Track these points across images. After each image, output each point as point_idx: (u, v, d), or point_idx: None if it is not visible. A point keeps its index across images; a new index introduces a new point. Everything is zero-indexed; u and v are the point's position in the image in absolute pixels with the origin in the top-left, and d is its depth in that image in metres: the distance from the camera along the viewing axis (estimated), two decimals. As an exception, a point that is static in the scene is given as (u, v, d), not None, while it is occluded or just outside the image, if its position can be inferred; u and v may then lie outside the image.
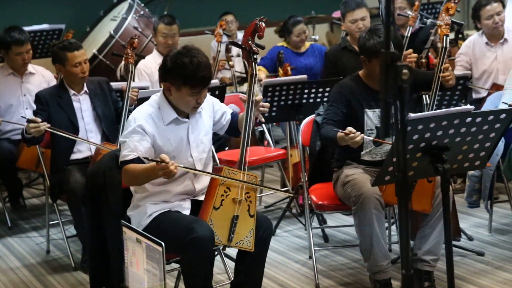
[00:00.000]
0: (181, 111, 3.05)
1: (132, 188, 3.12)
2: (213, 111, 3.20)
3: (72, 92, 4.05)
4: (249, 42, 3.16)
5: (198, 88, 2.95)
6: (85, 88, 4.07)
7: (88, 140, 3.99)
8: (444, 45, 3.52)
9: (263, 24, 3.16)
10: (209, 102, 3.19)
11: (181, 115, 3.06)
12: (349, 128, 3.24)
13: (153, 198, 3.06)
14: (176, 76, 2.95)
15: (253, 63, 3.15)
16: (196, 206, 3.08)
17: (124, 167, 2.92)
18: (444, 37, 3.53)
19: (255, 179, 3.06)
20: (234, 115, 3.26)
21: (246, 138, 3.06)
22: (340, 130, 3.28)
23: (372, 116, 3.52)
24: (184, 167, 2.92)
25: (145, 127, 2.97)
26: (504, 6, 4.92)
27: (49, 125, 3.80)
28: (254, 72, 3.14)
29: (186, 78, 2.93)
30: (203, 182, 3.14)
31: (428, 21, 4.89)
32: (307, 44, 5.64)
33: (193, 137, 3.08)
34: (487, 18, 4.87)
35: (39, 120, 3.78)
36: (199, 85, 2.95)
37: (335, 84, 3.67)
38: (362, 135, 3.24)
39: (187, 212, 3.07)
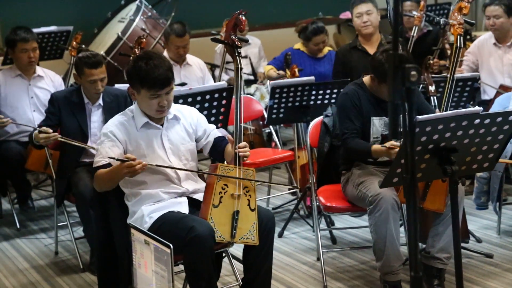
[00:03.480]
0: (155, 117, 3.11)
1: (125, 198, 3.16)
2: (195, 125, 3.24)
3: (86, 100, 4.06)
4: (232, 37, 3.19)
5: (153, 90, 3.00)
6: (100, 101, 4.07)
7: (93, 147, 3.96)
8: (458, 45, 3.50)
9: (244, 18, 3.20)
10: (195, 115, 3.26)
11: (154, 121, 3.13)
12: (391, 142, 3.25)
13: (145, 201, 3.10)
14: (134, 79, 3.05)
15: (237, 57, 3.19)
16: (196, 202, 3.12)
17: (96, 172, 3.00)
18: (458, 36, 3.52)
19: (252, 172, 3.07)
20: (221, 140, 3.25)
21: (238, 134, 3.08)
22: (381, 145, 3.32)
23: (378, 124, 3.52)
24: (156, 165, 3.00)
25: (116, 133, 3.06)
26: (509, 11, 4.89)
27: (60, 135, 3.81)
28: (239, 66, 3.19)
29: (141, 80, 3.01)
30: (192, 181, 3.19)
31: (442, 20, 4.88)
32: (325, 50, 5.60)
33: (168, 144, 3.14)
34: (486, 18, 4.91)
35: (51, 131, 3.78)
36: (154, 87, 3.00)
37: (341, 93, 3.65)
38: (398, 148, 3.20)
39: (185, 207, 3.10)
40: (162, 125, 3.15)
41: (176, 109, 3.22)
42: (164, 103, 3.05)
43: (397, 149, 3.19)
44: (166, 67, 3.03)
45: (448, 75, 3.49)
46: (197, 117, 3.28)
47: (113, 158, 2.91)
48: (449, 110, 3.88)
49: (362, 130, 3.49)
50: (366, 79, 3.59)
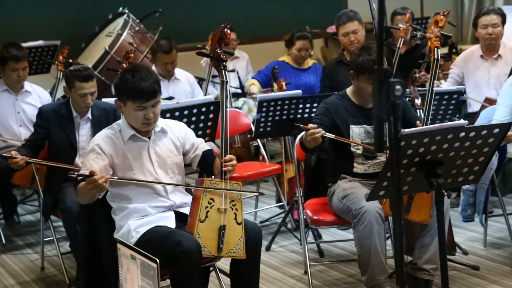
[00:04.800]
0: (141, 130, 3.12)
1: (112, 212, 3.16)
2: (183, 138, 3.25)
3: (75, 113, 4.05)
4: (217, 50, 3.20)
5: (139, 102, 3.01)
6: (89, 115, 4.06)
7: (75, 166, 3.94)
8: (435, 57, 3.55)
9: (229, 31, 3.21)
10: (182, 129, 3.27)
11: (141, 134, 3.13)
12: (310, 125, 3.29)
13: (132, 215, 3.09)
14: (121, 91, 3.06)
15: (223, 71, 3.20)
16: (183, 216, 3.12)
17: (78, 186, 2.99)
18: (435, 49, 3.56)
19: (239, 186, 3.08)
20: (209, 153, 3.24)
21: (224, 147, 3.09)
22: (301, 125, 3.32)
23: (357, 132, 3.54)
24: (119, 179, 3.00)
25: (102, 147, 3.06)
26: (504, 22, 4.95)
27: (28, 158, 3.80)
28: (225, 80, 3.19)
29: (128, 92, 3.02)
30: (180, 193, 3.19)
31: (418, 34, 4.93)
32: (310, 61, 5.62)
33: (154, 156, 3.14)
34: (482, 27, 4.93)
35: (19, 156, 3.77)
36: (140, 98, 3.01)
37: (321, 102, 3.71)
38: (322, 131, 3.27)
39: (172, 221, 3.09)
40: (149, 138, 3.15)
41: (163, 123, 3.22)
42: (150, 115, 3.05)
43: (313, 131, 3.23)
44: (153, 79, 3.04)
45: (427, 88, 3.53)
46: (184, 131, 3.28)
47: (76, 174, 2.89)
48: (432, 122, 3.91)
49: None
50: (349, 89, 3.64)
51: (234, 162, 3.09)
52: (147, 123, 3.07)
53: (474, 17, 5.10)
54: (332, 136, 3.40)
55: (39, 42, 6.07)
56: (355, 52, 3.55)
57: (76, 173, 2.91)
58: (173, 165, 3.19)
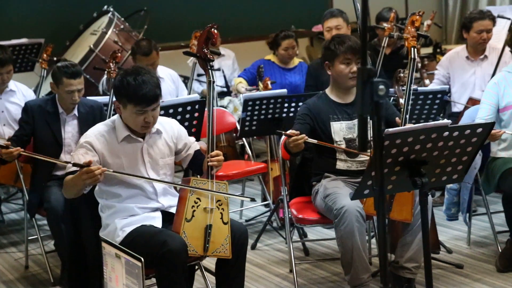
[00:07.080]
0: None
1: (99, 209, 3.15)
2: (176, 138, 3.24)
3: (61, 110, 4.03)
4: (204, 50, 3.20)
5: (140, 106, 3.00)
6: (75, 112, 4.04)
7: (65, 161, 3.92)
8: (412, 56, 3.59)
9: (216, 31, 3.21)
10: (176, 128, 3.26)
11: (136, 134, 3.11)
12: (291, 131, 3.30)
13: (119, 214, 3.08)
14: (121, 94, 3.03)
15: (210, 71, 3.21)
16: (169, 216, 3.12)
17: (64, 178, 2.98)
18: (412, 48, 3.60)
19: (225, 186, 3.08)
20: (200, 154, 3.26)
21: (210, 146, 3.09)
22: (283, 132, 3.32)
23: (338, 128, 3.57)
24: (114, 172, 2.98)
25: (94, 144, 3.04)
26: (494, 25, 5.00)
27: (22, 149, 3.76)
28: (212, 79, 3.21)
29: (129, 96, 3.00)
30: (170, 196, 3.19)
31: (395, 34, 4.95)
32: (296, 60, 5.63)
33: (147, 157, 3.13)
34: (477, 32, 4.94)
35: (11, 146, 3.75)
36: (141, 103, 2.99)
37: (303, 103, 3.73)
38: (305, 137, 3.27)
39: (158, 221, 3.09)
40: (143, 138, 3.14)
41: (157, 122, 3.18)
42: (150, 119, 3.04)
43: (296, 137, 3.23)
44: (154, 83, 3.02)
45: (405, 87, 3.56)
46: (177, 129, 3.27)
47: (69, 163, 2.87)
48: (417, 122, 3.93)
49: (309, 135, 3.47)
50: (327, 89, 3.69)
51: (221, 157, 3.09)
52: (146, 126, 3.06)
53: (466, 20, 5.05)
54: (314, 141, 3.40)
55: (23, 40, 6.03)
56: (323, 46, 3.64)
57: (72, 162, 2.88)
58: (164, 166, 3.18)
